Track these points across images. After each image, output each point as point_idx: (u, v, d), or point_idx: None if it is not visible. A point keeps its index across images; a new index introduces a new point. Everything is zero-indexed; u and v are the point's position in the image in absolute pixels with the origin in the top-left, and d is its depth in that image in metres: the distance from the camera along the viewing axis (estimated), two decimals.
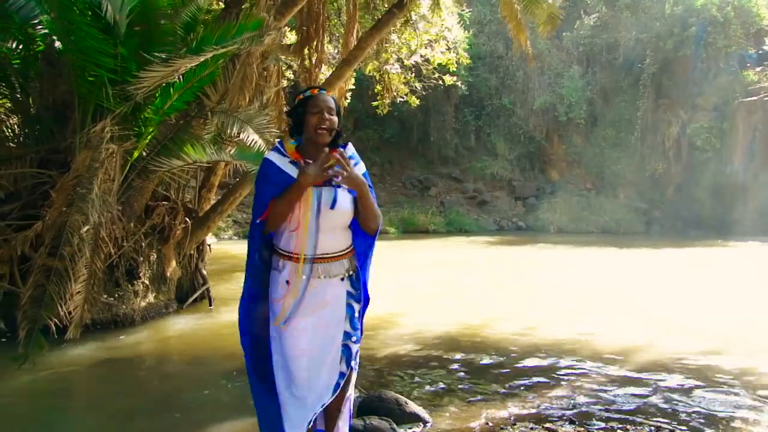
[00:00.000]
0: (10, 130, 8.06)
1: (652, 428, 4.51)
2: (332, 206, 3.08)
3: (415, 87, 18.01)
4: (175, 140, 8.01)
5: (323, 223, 3.10)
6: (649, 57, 28.20)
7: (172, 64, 6.85)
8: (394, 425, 4.34)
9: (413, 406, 4.68)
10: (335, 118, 3.12)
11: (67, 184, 6.04)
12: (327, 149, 3.14)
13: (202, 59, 7.09)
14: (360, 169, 3.19)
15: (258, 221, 3.13)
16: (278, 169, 3.11)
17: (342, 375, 3.16)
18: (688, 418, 4.81)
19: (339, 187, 3.10)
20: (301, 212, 3.07)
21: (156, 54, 7.22)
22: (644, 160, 28.69)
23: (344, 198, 3.13)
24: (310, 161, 3.08)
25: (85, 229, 5.72)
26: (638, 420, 4.71)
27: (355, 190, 3.08)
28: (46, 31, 7.68)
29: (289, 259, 3.13)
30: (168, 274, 8.57)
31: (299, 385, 3.11)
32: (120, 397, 5.42)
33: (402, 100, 17.91)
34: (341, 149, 3.15)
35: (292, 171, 3.08)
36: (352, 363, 3.22)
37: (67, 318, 5.62)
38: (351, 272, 3.22)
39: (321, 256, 3.13)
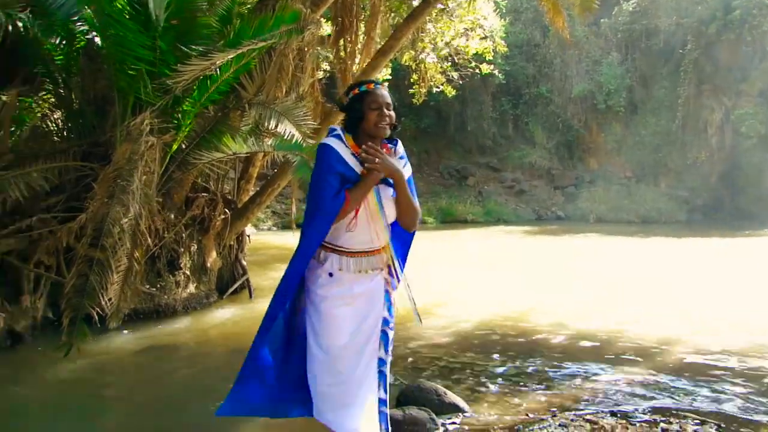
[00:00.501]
0: (54, 125, 8.22)
1: (698, 421, 4.43)
2: (394, 194, 3.11)
3: (452, 76, 17.92)
4: (214, 132, 8.09)
5: (382, 218, 3.13)
6: (691, 42, 27.63)
7: (211, 57, 6.91)
8: (434, 415, 4.33)
9: (452, 396, 4.68)
10: (393, 113, 3.12)
11: (108, 177, 6.13)
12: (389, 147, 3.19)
13: (239, 52, 7.14)
14: (408, 171, 3.19)
15: (337, 209, 2.98)
16: (340, 157, 3.05)
17: (382, 362, 3.19)
18: (734, 412, 4.72)
19: (391, 185, 3.12)
20: (366, 207, 3.08)
21: (193, 47, 7.31)
22: (686, 147, 28.16)
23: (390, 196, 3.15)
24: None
25: (125, 220, 5.81)
26: (682, 413, 4.64)
27: (391, 178, 3.07)
28: (87, 27, 7.83)
29: (333, 252, 3.14)
30: (208, 264, 8.68)
31: (338, 377, 3.12)
32: (158, 386, 5.51)
33: (438, 89, 17.84)
34: (391, 145, 3.19)
35: (354, 163, 3.05)
36: (390, 348, 3.25)
37: (111, 308, 5.72)
38: (389, 262, 3.23)
39: (367, 249, 3.15)
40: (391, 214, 3.16)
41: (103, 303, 5.49)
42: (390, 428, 3.20)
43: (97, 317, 5.58)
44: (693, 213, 27.61)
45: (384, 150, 3.10)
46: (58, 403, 5.02)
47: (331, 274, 3.13)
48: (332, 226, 3.05)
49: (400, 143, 3.26)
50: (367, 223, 3.10)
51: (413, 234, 3.30)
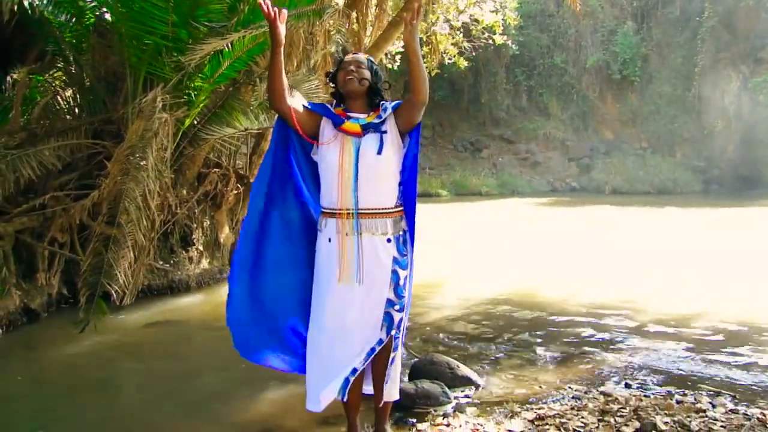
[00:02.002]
0: (65, 103, 8.22)
1: (711, 393, 4.41)
2: (379, 152, 3.10)
3: (464, 48, 17.75)
4: (225, 108, 8.09)
5: (364, 171, 3.09)
6: (708, 10, 27.13)
7: (225, 36, 6.90)
8: (446, 388, 4.33)
9: (465, 370, 4.67)
10: (365, 71, 3.22)
11: (122, 155, 6.14)
12: (369, 107, 3.27)
13: (253, 33, 7.10)
14: (387, 125, 3.20)
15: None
16: (324, 107, 3.31)
17: (380, 341, 3.17)
18: (748, 384, 4.70)
19: (384, 133, 3.13)
20: (342, 160, 3.09)
21: (205, 24, 7.28)
22: (702, 117, 27.83)
23: (388, 144, 3.14)
24: (354, 114, 3.21)
25: (140, 197, 5.83)
26: (696, 385, 4.62)
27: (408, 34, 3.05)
28: (96, 3, 7.80)
29: (331, 216, 3.14)
30: (221, 240, 8.71)
31: (328, 350, 3.15)
32: (173, 361, 5.56)
33: (450, 61, 17.68)
34: (384, 104, 3.23)
35: (333, 116, 3.22)
36: (393, 332, 3.19)
37: (126, 285, 5.76)
38: (399, 233, 3.19)
39: (364, 210, 3.11)
40: (375, 168, 3.13)
41: (121, 281, 5.53)
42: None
43: (115, 294, 5.62)
44: (709, 183, 27.36)
45: (373, 112, 3.22)
46: (78, 376, 5.07)
47: (330, 240, 3.15)
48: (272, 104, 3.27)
49: (386, 103, 3.27)
50: (354, 179, 3.10)
51: (420, 117, 3.22)
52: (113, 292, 5.51)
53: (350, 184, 3.08)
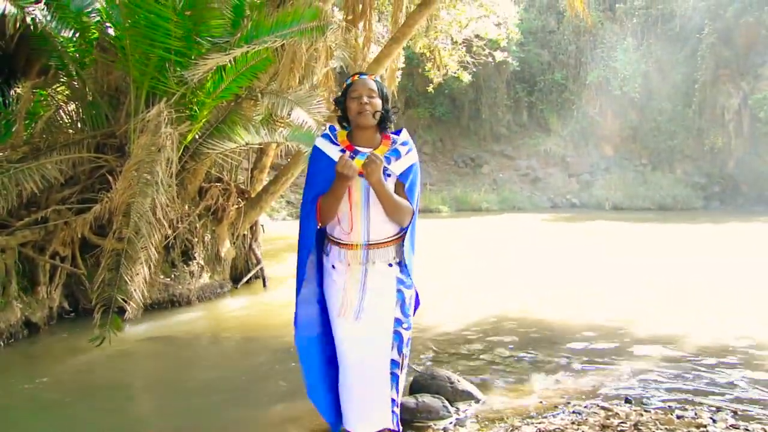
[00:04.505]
0: (68, 117, 8.27)
1: (713, 409, 4.41)
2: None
3: (466, 63, 17.85)
4: (227, 122, 8.13)
5: (374, 211, 3.07)
6: (708, 26, 27.23)
7: (228, 52, 6.95)
8: (447, 402, 4.34)
9: (465, 384, 4.68)
10: (377, 100, 3.08)
11: (129, 170, 6.17)
12: (378, 135, 3.14)
13: (256, 48, 7.15)
14: (411, 158, 3.14)
15: (312, 213, 3.10)
16: (327, 159, 3.07)
17: (395, 363, 3.14)
18: (748, 400, 4.69)
19: (388, 176, 3.06)
20: (352, 197, 3.05)
21: (208, 39, 7.35)
22: (702, 133, 27.85)
23: (390, 185, 3.08)
24: (362, 149, 3.07)
25: (150, 213, 5.87)
26: (696, 400, 4.61)
27: (368, 182, 2.98)
28: (100, 18, 7.87)
29: (336, 245, 3.13)
30: (222, 254, 8.72)
31: (349, 377, 3.10)
32: (175, 375, 5.57)
33: (453, 74, 17.76)
34: (395, 135, 3.16)
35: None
36: (405, 350, 3.17)
37: (142, 300, 5.78)
38: (399, 258, 3.17)
39: (372, 242, 3.10)
40: (381, 210, 3.07)
41: (137, 296, 5.55)
42: (401, 428, 3.18)
43: (130, 310, 5.63)
44: (710, 200, 27.38)
45: (383, 140, 3.12)
46: (78, 390, 5.07)
47: (333, 266, 3.14)
48: (320, 224, 3.12)
49: (405, 131, 3.22)
50: (366, 219, 3.07)
51: (409, 227, 3.16)
52: (128, 307, 5.51)
53: (361, 220, 3.08)
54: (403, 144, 3.15)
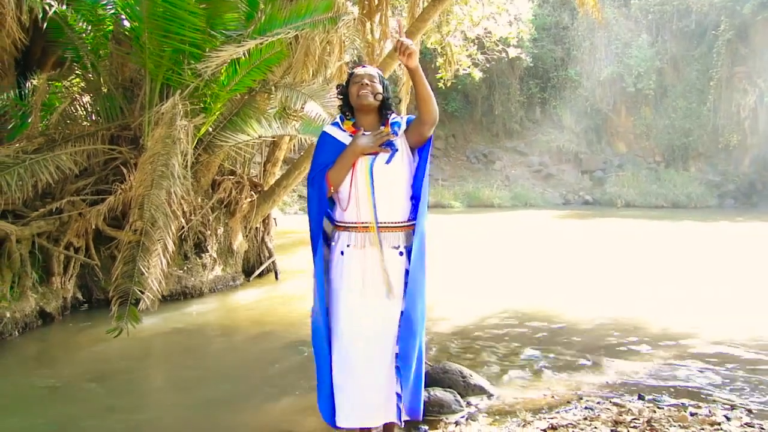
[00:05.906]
0: (83, 109, 8.31)
1: (727, 407, 4.38)
2: (388, 161, 3.13)
3: (478, 59, 17.78)
4: (240, 115, 8.14)
5: (379, 187, 3.12)
6: (724, 23, 27.00)
7: (242, 44, 6.96)
8: (459, 397, 4.33)
9: (478, 378, 4.66)
10: (377, 84, 3.22)
11: (145, 162, 6.20)
12: (382, 127, 3.20)
13: (270, 40, 7.16)
14: (398, 140, 3.20)
15: (322, 185, 3.18)
16: (335, 140, 3.23)
17: (400, 356, 3.14)
18: (764, 398, 4.65)
19: (395, 152, 3.14)
20: (357, 181, 3.12)
21: (222, 32, 7.36)
22: (717, 131, 27.67)
23: (399, 160, 3.16)
24: (368, 132, 3.19)
25: (166, 204, 5.89)
26: (711, 397, 4.58)
27: (409, 67, 3.03)
28: (115, 11, 7.89)
29: (345, 230, 3.17)
30: (235, 247, 8.75)
31: (355, 370, 3.12)
32: (187, 366, 5.59)
33: (465, 72, 17.71)
34: (395, 125, 3.21)
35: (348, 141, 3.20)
36: (412, 342, 3.15)
37: (160, 291, 5.80)
38: (408, 244, 3.18)
39: (382, 224, 3.13)
40: (388, 183, 3.14)
41: (155, 287, 5.56)
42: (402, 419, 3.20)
43: (148, 301, 5.65)
44: (724, 198, 27.17)
45: (385, 126, 3.22)
46: (91, 380, 5.09)
47: (342, 252, 3.16)
48: (329, 202, 3.23)
49: (395, 114, 3.30)
50: (371, 194, 3.12)
51: (431, 137, 3.24)
52: (145, 299, 5.53)
53: (368, 199, 3.11)
54: (399, 123, 3.24)
